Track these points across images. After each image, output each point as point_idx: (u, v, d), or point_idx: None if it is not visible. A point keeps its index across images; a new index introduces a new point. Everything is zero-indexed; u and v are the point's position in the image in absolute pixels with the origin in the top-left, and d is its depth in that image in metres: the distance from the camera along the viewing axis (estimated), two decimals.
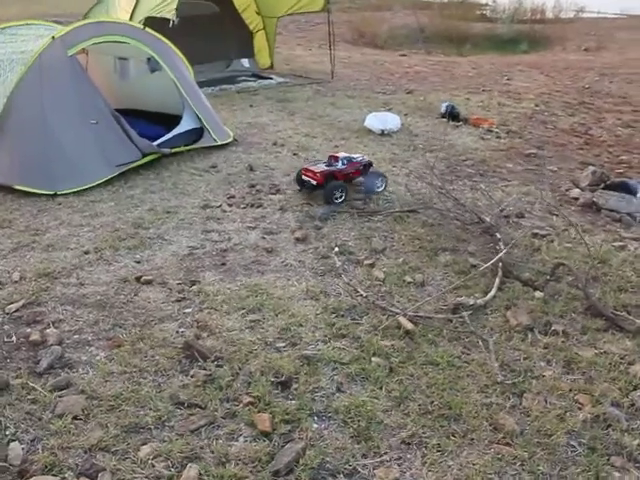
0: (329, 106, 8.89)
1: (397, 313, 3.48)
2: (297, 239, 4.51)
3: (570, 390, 3.00)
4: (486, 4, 31.08)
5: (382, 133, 7.39)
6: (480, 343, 3.30)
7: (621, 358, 3.29)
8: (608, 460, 2.60)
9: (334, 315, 3.52)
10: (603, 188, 5.75)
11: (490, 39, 20.79)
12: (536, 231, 4.79)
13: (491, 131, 7.90)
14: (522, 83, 11.61)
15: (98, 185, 5.40)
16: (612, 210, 5.40)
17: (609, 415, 2.84)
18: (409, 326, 3.38)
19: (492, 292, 3.79)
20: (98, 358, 3.08)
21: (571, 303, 3.80)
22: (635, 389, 3.05)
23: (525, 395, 2.94)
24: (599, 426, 2.78)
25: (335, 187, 5.24)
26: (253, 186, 5.59)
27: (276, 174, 5.93)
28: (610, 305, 3.78)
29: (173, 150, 6.13)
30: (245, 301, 3.63)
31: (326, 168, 5.37)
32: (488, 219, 4.77)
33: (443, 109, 8.45)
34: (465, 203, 5.10)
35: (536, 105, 9.65)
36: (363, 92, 10.04)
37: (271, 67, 11.69)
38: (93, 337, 3.27)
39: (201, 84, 6.81)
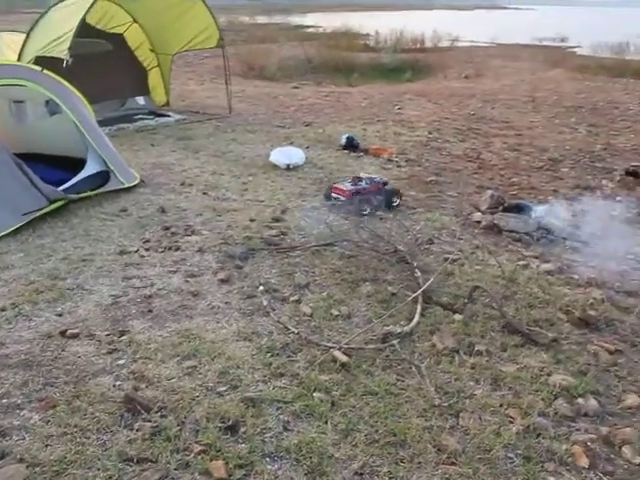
0: (231, 142, 8.99)
1: (331, 347, 3.61)
2: (221, 280, 4.55)
3: (501, 405, 3.24)
4: (368, 34, 32.35)
5: (288, 167, 7.55)
6: (413, 369, 3.48)
7: (540, 370, 3.58)
8: (542, 467, 2.84)
9: (269, 354, 3.59)
10: (502, 210, 6.15)
11: (376, 68, 21.59)
12: (447, 256, 5.06)
13: (391, 160, 8.23)
14: (413, 112, 12.15)
15: (5, 236, 5.22)
16: (512, 231, 5.80)
17: (538, 425, 3.09)
18: (344, 359, 3.52)
19: (416, 319, 3.99)
20: (33, 422, 2.97)
21: (489, 322, 4.07)
22: (557, 398, 3.33)
23: (461, 415, 3.14)
24: (531, 436, 3.03)
25: (362, 201, 6.15)
26: (167, 228, 5.58)
27: (189, 215, 5.95)
28: (524, 321, 4.08)
29: (80, 195, 6.01)
30: (179, 347, 3.64)
31: (353, 187, 6.32)
32: (402, 248, 5.01)
33: (343, 141, 8.71)
34: (379, 233, 5.33)
35: (429, 133, 10.14)
36: (263, 126, 10.20)
37: (167, 104, 11.64)
38: (23, 399, 3.14)
39: (98, 124, 6.73)
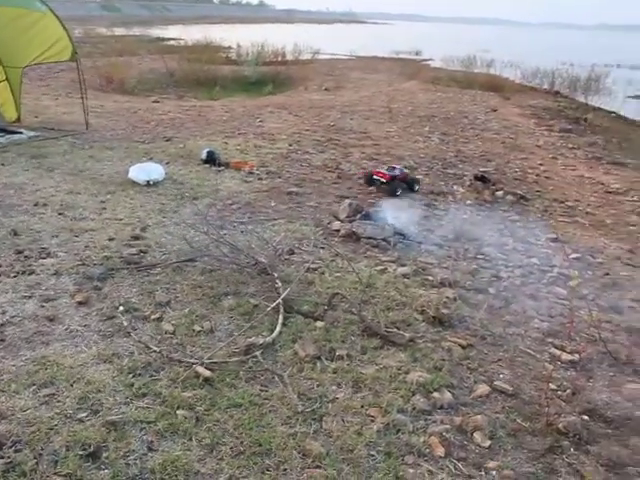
0: (89, 159, 8.70)
1: (193, 363, 3.62)
2: (79, 303, 4.42)
3: (362, 406, 3.40)
4: (230, 47, 32.38)
5: (147, 184, 7.43)
6: (276, 378, 3.57)
7: (398, 370, 3.79)
8: (402, 460, 3.03)
9: (131, 375, 3.54)
10: (360, 218, 6.40)
11: (238, 81, 21.65)
12: (307, 265, 5.20)
13: (252, 173, 8.31)
14: (274, 124, 12.32)
15: None
16: (370, 237, 6.04)
17: (397, 421, 3.28)
18: (207, 374, 3.54)
19: (277, 329, 4.08)
20: None
21: (349, 327, 4.24)
22: (414, 394, 3.55)
23: (324, 419, 3.26)
24: (391, 432, 3.21)
25: (398, 185, 8.03)
26: (20, 252, 5.32)
27: (44, 236, 5.71)
28: (382, 324, 4.28)
29: None
30: (35, 376, 3.50)
31: (390, 173, 8.05)
32: (263, 259, 5.09)
33: (204, 155, 8.69)
34: (239, 246, 5.38)
35: (290, 145, 10.33)
36: (122, 142, 9.95)
37: (18, 120, 11.06)
38: None
39: None
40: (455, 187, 8.69)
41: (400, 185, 8.08)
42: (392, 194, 7.88)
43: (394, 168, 8.27)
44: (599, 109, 20.67)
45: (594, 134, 15.03)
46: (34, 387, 3.40)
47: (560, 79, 25.45)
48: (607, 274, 5.97)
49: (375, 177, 8.13)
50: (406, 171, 8.49)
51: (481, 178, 8.86)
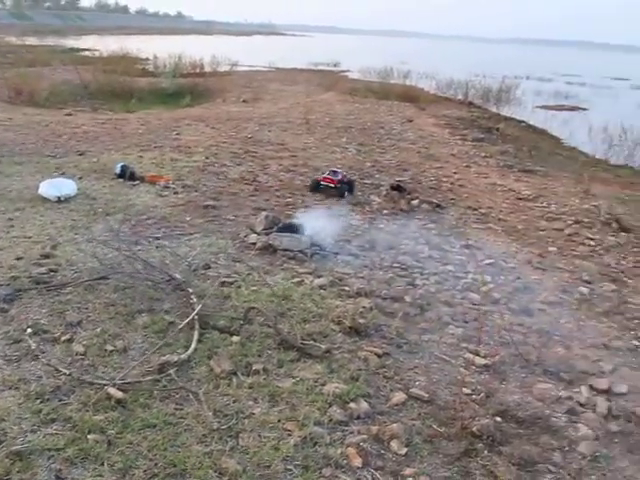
0: None
1: (105, 385, 3.51)
2: None
3: (279, 421, 3.38)
4: (147, 59, 31.89)
5: (59, 200, 7.18)
6: (191, 396, 3.51)
7: (315, 382, 3.79)
8: (320, 473, 3.04)
9: (39, 401, 3.40)
10: (276, 231, 6.39)
11: (154, 93, 21.30)
12: (224, 279, 5.16)
13: (168, 187, 8.16)
14: (191, 137, 12.17)
15: None
16: (287, 250, 6.04)
17: (314, 434, 3.29)
18: (119, 395, 3.44)
19: (193, 345, 4.02)
20: None
21: (265, 341, 4.22)
22: (331, 405, 3.56)
23: (241, 435, 3.23)
24: (308, 446, 3.21)
25: (344, 187, 8.61)
26: None
27: None
28: (298, 336, 4.27)
29: None
30: None
31: (336, 177, 8.60)
32: (178, 275, 5.01)
33: (118, 169, 8.48)
34: (153, 263, 5.27)
35: (207, 158, 10.21)
36: (32, 157, 9.59)
37: None
38: None
39: None
40: (372, 197, 8.81)
41: (345, 187, 8.65)
42: (341, 196, 8.52)
43: (336, 172, 8.82)
44: (510, 119, 21.51)
45: (505, 143, 15.58)
46: None
47: (473, 90, 26.37)
48: (518, 278, 6.18)
49: (323, 183, 8.62)
50: (345, 173, 9.07)
51: (397, 187, 9.02)
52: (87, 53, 39.53)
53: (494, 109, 24.04)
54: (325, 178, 8.63)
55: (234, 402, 3.52)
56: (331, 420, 3.45)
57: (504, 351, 4.55)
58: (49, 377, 3.64)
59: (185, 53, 29.09)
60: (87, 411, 3.32)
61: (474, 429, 3.50)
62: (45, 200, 7.19)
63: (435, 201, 8.73)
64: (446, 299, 5.46)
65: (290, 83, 26.77)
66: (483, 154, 13.55)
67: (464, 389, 3.89)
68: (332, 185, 8.56)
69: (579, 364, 4.51)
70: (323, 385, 3.77)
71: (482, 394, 3.93)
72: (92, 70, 23.04)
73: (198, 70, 27.98)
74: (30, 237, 6.00)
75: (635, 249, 7.51)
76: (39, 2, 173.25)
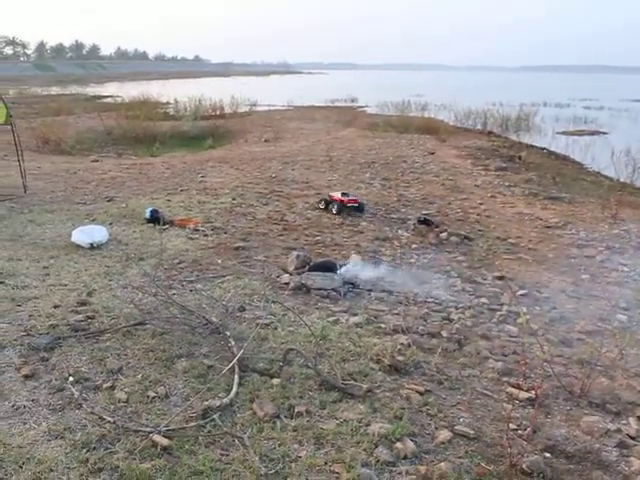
0: (29, 224, 8.49)
1: (150, 432, 3.51)
2: (25, 376, 4.24)
3: (325, 463, 3.33)
4: (168, 103, 32.49)
5: (91, 247, 7.28)
6: (236, 441, 3.48)
7: (359, 422, 3.75)
8: None
9: (85, 450, 3.40)
10: (308, 270, 6.40)
11: (177, 136, 21.67)
12: (260, 321, 5.15)
13: (197, 230, 8.24)
14: (216, 179, 12.31)
15: None
16: (320, 288, 6.04)
17: (362, 476, 3.24)
18: (165, 442, 3.43)
19: (234, 389, 4.01)
20: None
21: (306, 382, 4.19)
22: (377, 446, 3.51)
23: (288, 479, 3.18)
24: None
25: (348, 207, 9.81)
26: None
27: None
28: (339, 376, 4.24)
29: None
30: None
31: (346, 197, 9.89)
32: (214, 318, 5.02)
33: (147, 214, 8.60)
34: (189, 306, 5.29)
35: (233, 199, 10.32)
36: (62, 204, 9.77)
37: None
38: None
39: None
40: (400, 231, 8.83)
41: (363, 204, 10.10)
42: (362, 211, 9.91)
43: (345, 194, 10.05)
44: (531, 146, 21.47)
45: (528, 171, 15.53)
46: None
47: (492, 119, 26.48)
48: (554, 308, 6.12)
49: (349, 205, 9.83)
50: (356, 196, 10.39)
51: (424, 221, 9.04)
52: (109, 100, 40.45)
53: (514, 137, 24.05)
54: (349, 200, 9.86)
55: (279, 446, 3.49)
56: (378, 461, 3.40)
57: (546, 384, 4.48)
58: (94, 425, 3.64)
59: (205, 95, 29.62)
60: (134, 459, 3.32)
61: (524, 466, 3.43)
62: (78, 247, 7.30)
63: (463, 233, 8.72)
64: (483, 332, 5.42)
65: (309, 121, 27.04)
66: (507, 183, 13.52)
67: (510, 424, 3.81)
68: (356, 205, 9.85)
69: (625, 395, 4.43)
70: (367, 425, 3.73)
71: (528, 429, 3.85)
72: (115, 116, 23.53)
73: (218, 112, 28.42)
74: (66, 285, 6.08)
75: None
76: (61, 53, 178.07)
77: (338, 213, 9.67)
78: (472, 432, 3.77)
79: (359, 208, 9.89)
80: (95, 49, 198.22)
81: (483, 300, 6.22)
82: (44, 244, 7.55)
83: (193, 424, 3.66)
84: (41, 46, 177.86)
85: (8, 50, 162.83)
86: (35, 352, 4.60)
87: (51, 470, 3.23)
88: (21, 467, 3.26)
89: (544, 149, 21.14)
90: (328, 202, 9.94)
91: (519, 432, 3.84)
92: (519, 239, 8.83)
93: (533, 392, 4.30)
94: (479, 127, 26.15)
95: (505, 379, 4.55)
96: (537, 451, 3.62)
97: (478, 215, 10.16)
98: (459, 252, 7.91)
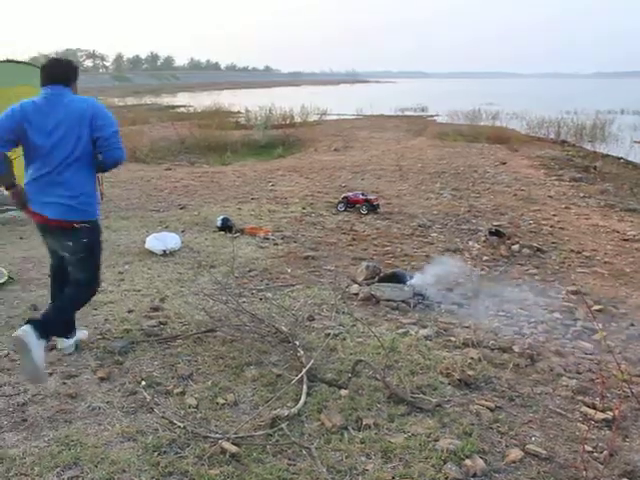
0: (105, 230, 8.63)
1: (219, 438, 3.55)
2: (101, 378, 4.37)
3: (393, 477, 3.28)
4: (239, 112, 33.07)
5: (164, 253, 7.46)
6: (303, 452, 3.47)
7: (428, 437, 3.68)
8: None
9: (156, 453, 3.47)
10: (378, 281, 6.37)
11: (247, 145, 22.00)
12: (329, 331, 5.15)
13: (267, 239, 8.33)
14: (286, 187, 12.43)
15: None
16: (389, 300, 6.00)
17: None
18: (233, 449, 3.46)
19: (302, 399, 4.01)
20: None
21: (374, 394, 4.16)
22: (446, 462, 3.43)
23: None
24: None
25: (364, 206, 10.31)
26: None
27: None
28: (408, 389, 4.20)
29: None
30: (58, 457, 3.43)
31: (362, 197, 10.47)
32: (283, 327, 5.06)
33: (219, 222, 8.75)
34: (259, 315, 5.35)
35: (303, 208, 10.40)
36: (137, 212, 10.06)
37: None
38: None
39: None
40: (470, 243, 8.68)
41: (366, 206, 10.36)
42: (359, 213, 10.25)
43: (362, 194, 10.67)
44: (607, 156, 20.78)
45: (604, 181, 15.05)
46: (58, 469, 3.33)
47: (566, 128, 25.75)
48: (632, 325, 5.88)
49: (375, 203, 10.39)
50: (372, 195, 10.91)
51: (496, 232, 8.86)
52: (182, 109, 41.43)
53: (589, 147, 23.33)
54: (374, 199, 10.51)
55: (347, 457, 3.47)
56: (447, 478, 3.32)
57: (624, 405, 4.30)
58: (165, 430, 3.71)
59: (275, 105, 29.96)
60: (203, 465, 3.36)
61: None
62: (151, 254, 7.49)
63: (536, 245, 8.49)
64: (556, 348, 5.25)
65: (379, 130, 26.99)
66: (582, 194, 13.13)
67: (585, 446, 3.68)
68: (376, 204, 10.39)
69: None
70: (436, 441, 3.66)
71: (605, 452, 3.70)
72: (188, 125, 24.08)
73: (288, 121, 28.69)
74: (139, 290, 6.25)
75: None
76: (137, 64, 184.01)
77: (367, 213, 10.14)
78: (544, 452, 3.65)
79: (378, 207, 10.45)
80: (169, 60, 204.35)
81: (556, 315, 6.04)
82: (119, 250, 7.79)
83: (261, 432, 3.68)
84: (119, 58, 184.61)
85: (88, 62, 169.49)
86: (110, 355, 4.74)
87: (124, 471, 3.31)
88: (96, 466, 3.34)
89: (621, 159, 20.42)
90: (347, 204, 10.43)
91: (595, 455, 3.69)
92: (594, 252, 8.55)
93: (610, 413, 4.15)
94: (552, 136, 25.50)
95: (579, 398, 4.39)
96: (614, 476, 3.46)
97: (551, 227, 9.89)
98: (531, 265, 7.71)
